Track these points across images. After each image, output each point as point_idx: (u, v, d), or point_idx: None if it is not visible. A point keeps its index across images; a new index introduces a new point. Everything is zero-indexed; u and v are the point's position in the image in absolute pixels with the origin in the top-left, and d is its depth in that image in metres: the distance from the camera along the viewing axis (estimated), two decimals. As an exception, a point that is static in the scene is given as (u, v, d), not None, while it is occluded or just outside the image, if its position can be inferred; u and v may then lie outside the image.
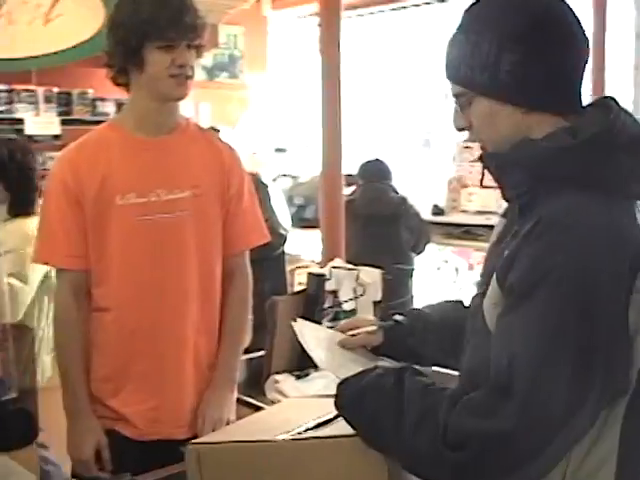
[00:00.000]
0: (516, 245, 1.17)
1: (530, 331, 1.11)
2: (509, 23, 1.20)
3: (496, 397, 1.12)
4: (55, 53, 4.21)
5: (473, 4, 1.28)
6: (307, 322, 1.68)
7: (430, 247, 5.61)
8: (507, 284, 1.16)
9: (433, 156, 8.55)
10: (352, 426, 1.35)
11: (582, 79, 1.26)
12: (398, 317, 1.57)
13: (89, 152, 1.91)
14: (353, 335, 1.59)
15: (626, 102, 4.92)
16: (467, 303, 1.44)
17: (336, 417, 1.62)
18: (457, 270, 6.48)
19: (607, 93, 4.71)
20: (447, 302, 1.63)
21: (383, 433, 1.25)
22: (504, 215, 1.40)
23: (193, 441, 1.67)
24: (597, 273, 1.11)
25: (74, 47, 4.24)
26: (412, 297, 5.04)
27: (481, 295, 1.26)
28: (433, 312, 1.58)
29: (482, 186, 1.58)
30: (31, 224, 2.90)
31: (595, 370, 1.10)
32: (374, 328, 1.58)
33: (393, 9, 7.14)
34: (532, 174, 1.20)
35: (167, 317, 1.91)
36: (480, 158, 1.35)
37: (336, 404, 1.38)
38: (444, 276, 6.55)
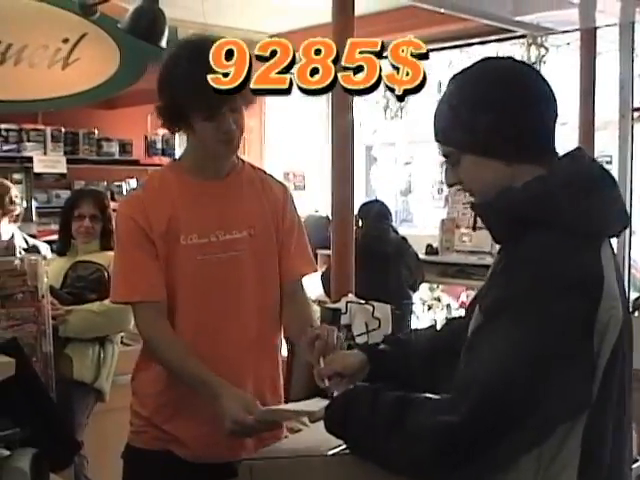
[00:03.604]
0: (491, 278, 1.39)
1: (491, 347, 1.29)
2: (482, 90, 1.40)
3: (455, 397, 1.30)
4: (72, 95, 4.36)
5: (453, 76, 1.48)
6: None
7: (422, 286, 5.78)
8: (482, 309, 1.36)
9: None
10: (342, 439, 1.50)
11: (553, 132, 1.43)
12: (382, 346, 1.75)
13: (154, 194, 1.99)
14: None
15: (612, 149, 5.14)
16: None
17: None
18: (449, 308, 6.66)
19: (595, 142, 4.96)
20: (423, 329, 1.86)
21: (366, 440, 1.42)
22: (500, 253, 1.58)
23: (246, 456, 1.79)
24: (552, 303, 1.26)
25: (90, 90, 4.40)
26: (412, 332, 5.17)
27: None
28: (410, 339, 1.78)
29: (474, 230, 1.81)
30: None
31: (547, 384, 1.26)
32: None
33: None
34: (511, 219, 1.39)
35: (227, 348, 1.98)
36: (472, 206, 1.56)
37: (325, 422, 1.52)
38: (436, 314, 6.71)
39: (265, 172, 2.17)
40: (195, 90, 1.79)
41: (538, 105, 1.41)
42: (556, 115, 1.43)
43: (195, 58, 1.83)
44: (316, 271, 2.33)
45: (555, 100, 1.43)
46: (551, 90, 1.43)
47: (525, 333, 1.26)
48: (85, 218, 3.46)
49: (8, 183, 4.12)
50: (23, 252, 3.87)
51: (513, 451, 1.30)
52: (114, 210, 6.01)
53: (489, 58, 1.52)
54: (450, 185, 1.51)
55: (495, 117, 1.37)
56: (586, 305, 1.28)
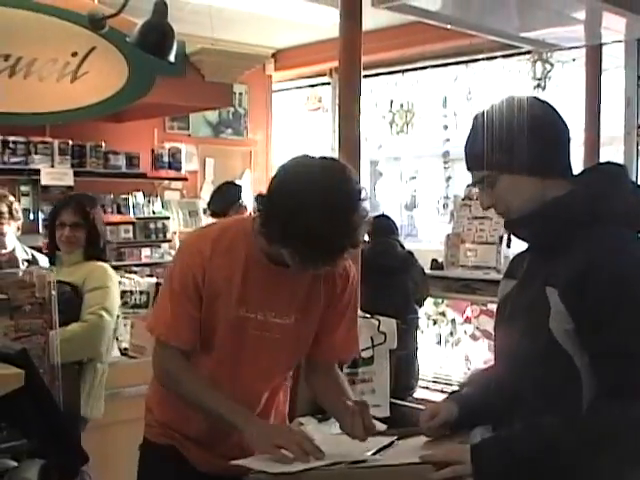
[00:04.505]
0: (574, 273, 1.49)
1: (622, 338, 1.46)
2: (517, 117, 1.60)
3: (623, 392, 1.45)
4: (81, 109, 4.37)
5: (483, 112, 1.67)
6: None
7: (427, 300, 5.79)
8: (585, 303, 1.48)
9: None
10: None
11: (570, 152, 1.67)
12: (464, 390, 1.91)
13: (220, 257, 1.96)
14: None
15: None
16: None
17: (378, 451, 1.79)
18: (453, 322, 6.66)
19: (601, 158, 4.96)
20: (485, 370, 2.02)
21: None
22: (509, 275, 1.75)
23: (253, 471, 1.80)
24: None
25: (99, 103, 4.41)
26: (417, 348, 5.18)
27: (531, 328, 1.56)
28: (479, 382, 1.89)
29: (509, 247, 1.93)
30: (105, 265, 3.39)
31: None
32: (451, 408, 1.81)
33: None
34: (567, 221, 1.57)
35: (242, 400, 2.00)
36: (505, 225, 1.73)
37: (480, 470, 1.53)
38: (441, 328, 6.71)
39: None
40: (313, 248, 1.75)
41: (561, 128, 1.64)
42: (570, 138, 1.66)
43: (327, 218, 1.73)
44: (356, 354, 2.31)
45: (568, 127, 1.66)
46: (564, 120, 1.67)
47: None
48: (66, 227, 3.36)
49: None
50: (26, 264, 3.86)
51: None
52: (111, 224, 6.02)
53: (512, 96, 1.69)
54: (486, 208, 1.69)
55: (530, 139, 1.57)
56: None
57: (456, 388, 6.01)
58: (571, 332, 1.50)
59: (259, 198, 1.86)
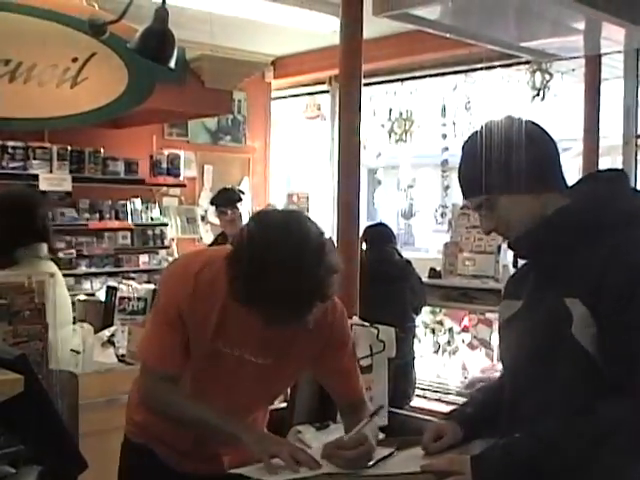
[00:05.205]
0: (595, 273, 1.51)
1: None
2: (507, 138, 1.62)
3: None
4: (80, 114, 4.40)
5: (470, 139, 1.70)
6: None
7: (425, 309, 5.79)
8: (603, 300, 1.49)
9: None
10: None
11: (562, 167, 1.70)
12: (467, 409, 1.88)
13: (201, 294, 1.93)
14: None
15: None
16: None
17: (377, 462, 1.79)
18: (451, 331, 6.65)
19: (599, 168, 4.97)
20: (485, 387, 2.01)
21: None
22: (511, 297, 1.75)
23: (251, 479, 1.79)
24: None
25: (98, 109, 4.44)
26: (414, 356, 5.16)
27: (553, 337, 1.56)
28: (483, 397, 1.90)
29: (515, 266, 1.92)
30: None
31: None
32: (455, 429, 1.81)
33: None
34: (572, 228, 1.59)
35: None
36: (509, 246, 1.75)
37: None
38: (439, 337, 6.71)
39: None
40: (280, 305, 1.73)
41: (550, 143, 1.67)
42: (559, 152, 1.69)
43: (287, 273, 1.69)
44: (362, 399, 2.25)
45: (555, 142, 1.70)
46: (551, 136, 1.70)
47: None
48: None
49: None
50: None
51: None
52: (109, 230, 5.93)
53: (503, 118, 1.70)
54: (488, 232, 1.71)
55: (524, 157, 1.59)
56: None
57: (453, 396, 6.03)
58: (596, 336, 1.51)
59: (226, 259, 1.81)
